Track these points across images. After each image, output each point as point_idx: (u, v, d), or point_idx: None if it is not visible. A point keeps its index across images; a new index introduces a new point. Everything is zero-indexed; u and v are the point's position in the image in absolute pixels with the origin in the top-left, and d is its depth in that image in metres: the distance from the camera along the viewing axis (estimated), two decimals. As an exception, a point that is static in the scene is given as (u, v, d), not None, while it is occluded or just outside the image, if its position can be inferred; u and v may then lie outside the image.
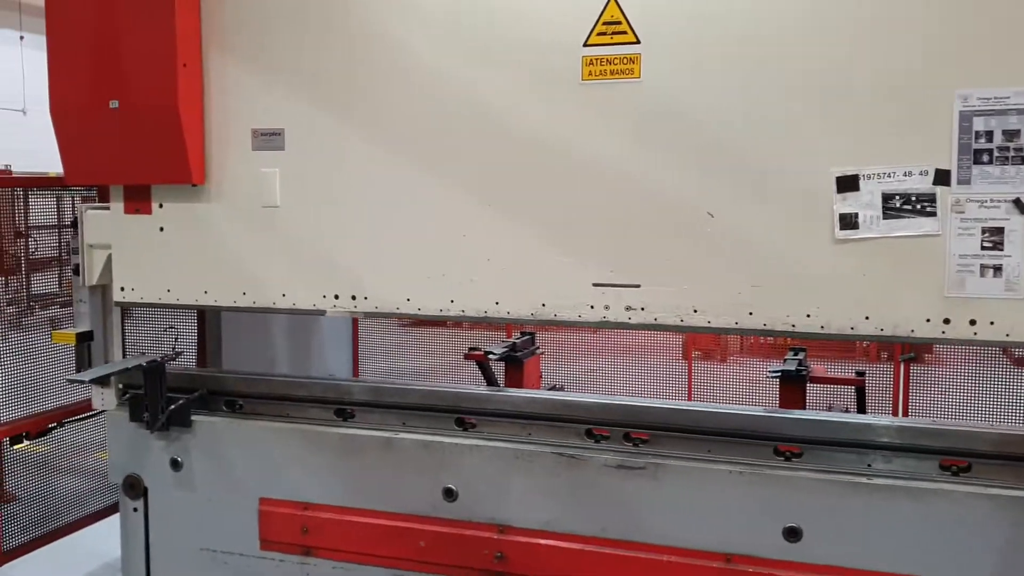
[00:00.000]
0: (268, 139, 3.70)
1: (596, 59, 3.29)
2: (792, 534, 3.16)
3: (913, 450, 3.16)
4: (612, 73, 3.28)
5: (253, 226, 3.74)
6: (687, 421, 3.38)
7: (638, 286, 3.31)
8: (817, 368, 4.01)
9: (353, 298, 3.65)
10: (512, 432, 3.58)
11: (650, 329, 3.35)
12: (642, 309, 3.31)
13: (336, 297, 3.67)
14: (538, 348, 4.78)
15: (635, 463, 3.34)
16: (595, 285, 3.35)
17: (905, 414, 5.51)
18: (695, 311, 3.26)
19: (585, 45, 3.29)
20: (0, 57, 18.95)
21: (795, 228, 3.12)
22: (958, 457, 3.11)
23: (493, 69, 3.39)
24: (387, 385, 3.80)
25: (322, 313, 3.71)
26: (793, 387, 3.78)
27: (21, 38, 19.86)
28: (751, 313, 3.20)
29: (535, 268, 3.41)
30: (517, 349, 4.52)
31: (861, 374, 4.16)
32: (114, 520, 4.49)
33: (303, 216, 3.68)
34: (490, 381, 4.86)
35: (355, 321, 6.00)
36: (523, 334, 4.94)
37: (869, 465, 3.19)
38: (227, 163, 3.76)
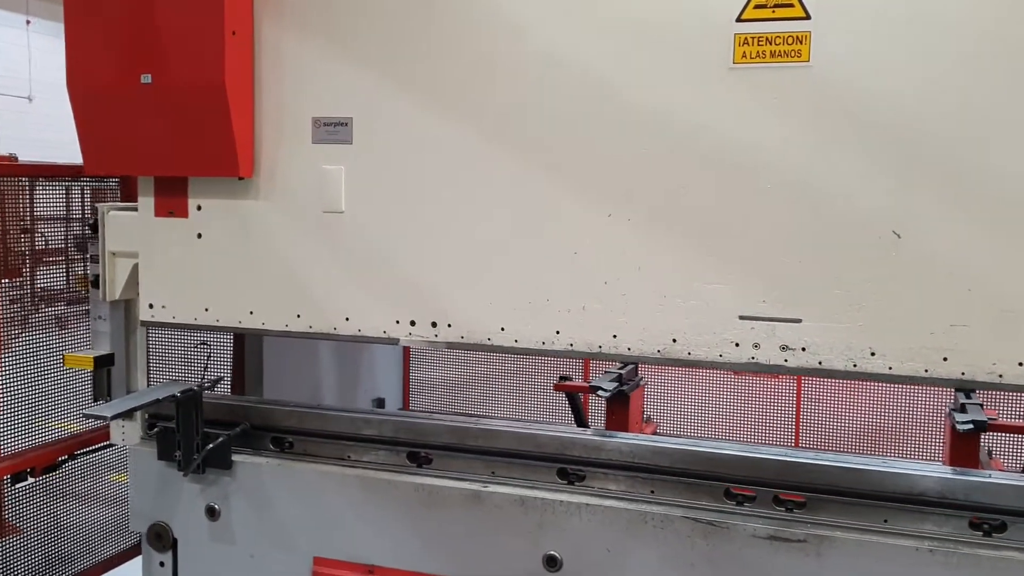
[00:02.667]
0: (332, 130, 2.86)
1: (752, 37, 2.50)
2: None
3: None
4: (773, 55, 2.49)
5: (311, 234, 2.92)
6: (856, 482, 2.57)
7: (799, 321, 2.52)
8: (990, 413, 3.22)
9: (434, 325, 2.83)
10: (629, 488, 2.77)
11: (813, 375, 2.55)
12: (803, 350, 2.52)
13: (412, 323, 2.85)
14: (642, 378, 3.90)
15: (792, 534, 2.54)
16: (742, 318, 2.56)
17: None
18: (872, 354, 2.48)
19: (738, 20, 2.52)
20: (5, 42, 17.68)
21: (1009, 253, 2.37)
22: None
23: (619, 50, 2.59)
24: (472, 426, 2.96)
25: (394, 342, 2.87)
26: (969, 439, 2.98)
27: (28, 22, 18.65)
28: (945, 359, 2.43)
29: (665, 295, 2.61)
30: (623, 381, 3.64)
31: (1043, 422, 3.38)
32: (135, 565, 3.64)
33: (374, 224, 2.85)
34: (579, 420, 4.00)
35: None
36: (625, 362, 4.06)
37: (1093, 545, 2.43)
38: (281, 157, 2.93)
